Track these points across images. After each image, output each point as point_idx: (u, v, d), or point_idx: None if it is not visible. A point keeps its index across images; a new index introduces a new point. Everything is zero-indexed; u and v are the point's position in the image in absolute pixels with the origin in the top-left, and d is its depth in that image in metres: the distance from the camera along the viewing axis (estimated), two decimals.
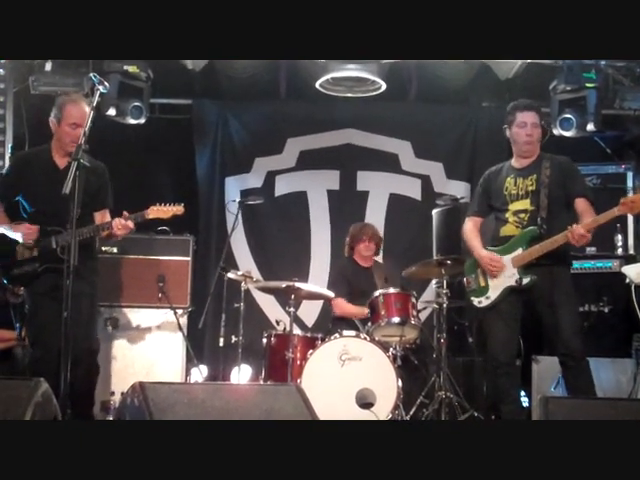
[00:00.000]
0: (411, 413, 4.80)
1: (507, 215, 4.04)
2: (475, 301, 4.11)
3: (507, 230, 4.03)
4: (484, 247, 4.11)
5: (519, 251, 3.93)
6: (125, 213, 3.95)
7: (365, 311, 5.05)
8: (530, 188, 3.98)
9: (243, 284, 5.02)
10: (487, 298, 4.03)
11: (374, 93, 6.23)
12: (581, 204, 3.92)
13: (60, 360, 3.46)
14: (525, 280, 3.90)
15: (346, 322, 5.15)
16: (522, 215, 3.98)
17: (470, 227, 4.23)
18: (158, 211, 4.04)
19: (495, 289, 4.00)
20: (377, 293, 4.94)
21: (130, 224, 3.93)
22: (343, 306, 5.26)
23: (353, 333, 4.73)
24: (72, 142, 3.79)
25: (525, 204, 3.99)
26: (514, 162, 4.14)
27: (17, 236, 3.98)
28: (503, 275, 3.96)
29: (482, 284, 4.07)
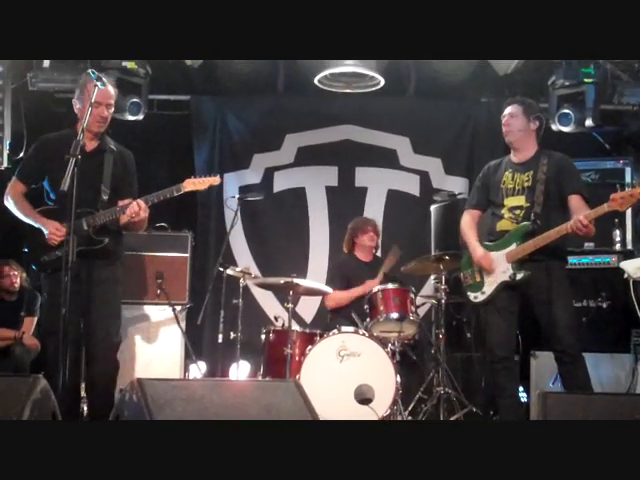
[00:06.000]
0: (409, 409, 4.81)
1: (503, 211, 4.04)
2: (471, 296, 4.13)
3: (503, 225, 4.04)
4: (481, 241, 4.11)
5: (513, 246, 3.93)
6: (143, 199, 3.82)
7: (360, 290, 5.09)
8: (526, 184, 3.98)
9: (242, 280, 5.02)
10: (483, 293, 4.04)
11: (372, 89, 6.23)
12: (575, 201, 3.89)
13: (77, 352, 3.66)
14: (519, 275, 3.90)
15: (344, 316, 5.14)
16: (517, 212, 3.98)
17: (467, 220, 4.23)
18: (194, 183, 3.97)
19: (490, 284, 4.01)
20: (375, 289, 4.94)
21: (143, 205, 3.77)
22: (336, 296, 5.22)
23: (351, 329, 4.72)
24: (97, 122, 3.80)
25: (520, 200, 3.99)
26: (512, 156, 4.15)
27: (43, 230, 3.80)
28: (498, 271, 3.97)
29: (477, 279, 4.08)
